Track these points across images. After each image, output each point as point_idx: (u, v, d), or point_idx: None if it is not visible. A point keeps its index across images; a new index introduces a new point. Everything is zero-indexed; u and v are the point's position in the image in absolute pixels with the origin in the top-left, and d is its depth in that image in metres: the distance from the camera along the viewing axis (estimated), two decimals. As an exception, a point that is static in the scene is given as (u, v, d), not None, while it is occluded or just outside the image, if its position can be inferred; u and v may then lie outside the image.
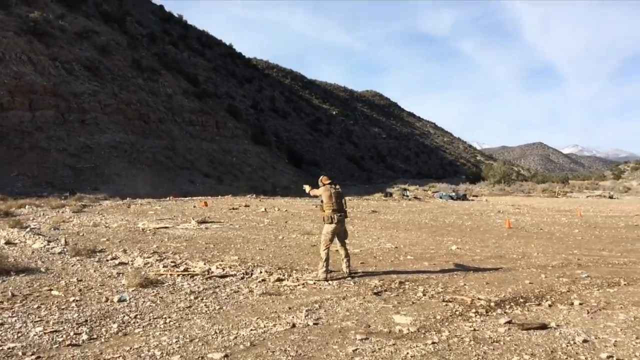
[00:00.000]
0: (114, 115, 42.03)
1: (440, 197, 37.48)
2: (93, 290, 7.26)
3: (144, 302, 6.71)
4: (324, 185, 8.70)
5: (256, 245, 11.66)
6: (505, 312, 6.49)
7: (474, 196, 41.82)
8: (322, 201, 8.61)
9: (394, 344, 5.22)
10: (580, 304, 6.92)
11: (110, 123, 41.23)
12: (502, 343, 5.30)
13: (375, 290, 7.52)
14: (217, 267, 8.98)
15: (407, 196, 36.22)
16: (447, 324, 5.96)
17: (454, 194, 38.93)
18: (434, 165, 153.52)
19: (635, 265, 10.04)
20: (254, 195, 28.92)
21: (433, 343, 5.26)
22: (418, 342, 5.28)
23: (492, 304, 6.87)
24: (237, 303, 6.80)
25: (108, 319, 5.93)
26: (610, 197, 48.97)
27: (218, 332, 5.58)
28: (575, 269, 9.59)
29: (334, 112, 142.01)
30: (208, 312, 6.35)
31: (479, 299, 7.14)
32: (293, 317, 6.18)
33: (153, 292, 7.22)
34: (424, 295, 7.34)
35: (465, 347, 5.19)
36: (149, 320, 5.95)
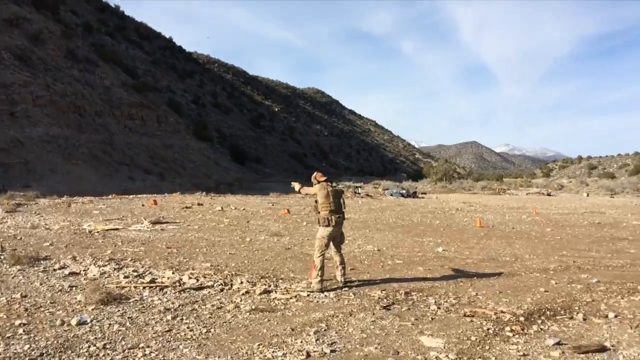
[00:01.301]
0: (47, 108, 39.12)
1: (391, 195, 37.06)
2: (43, 309, 5.90)
3: (110, 325, 5.43)
4: (318, 182, 7.61)
5: (224, 249, 10.43)
6: (542, 329, 5.63)
7: (422, 194, 41.68)
8: (316, 201, 7.49)
9: (442, 379, 4.23)
10: (616, 316, 6.17)
11: (43, 116, 38.34)
12: (567, 373, 4.43)
13: (382, 304, 6.51)
14: (190, 277, 7.73)
15: (359, 193, 35.57)
16: (487, 347, 5.03)
17: (404, 191, 38.62)
18: (375, 162, 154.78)
19: (635, 269, 9.50)
20: (204, 192, 27.35)
21: (488, 376, 4.32)
22: (468, 375, 4.32)
23: (522, 318, 6.01)
24: (226, 324, 5.62)
25: (70, 352, 4.66)
26: (549, 195, 50.24)
27: (216, 366, 4.42)
28: (578, 272, 8.94)
29: (277, 109, 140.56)
30: (194, 337, 5.15)
31: (502, 312, 6.27)
32: (301, 342, 5.08)
33: (119, 310, 5.94)
34: (439, 308, 6.40)
35: (528, 379, 4.27)
36: (123, 351, 4.71)
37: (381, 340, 5.19)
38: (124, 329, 5.33)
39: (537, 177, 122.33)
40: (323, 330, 5.46)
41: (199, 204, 20.24)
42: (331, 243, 7.54)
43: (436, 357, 4.72)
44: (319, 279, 7.21)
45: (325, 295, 6.93)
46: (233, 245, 11.07)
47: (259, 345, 4.96)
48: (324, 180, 7.63)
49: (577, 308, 6.51)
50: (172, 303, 6.35)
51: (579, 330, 5.62)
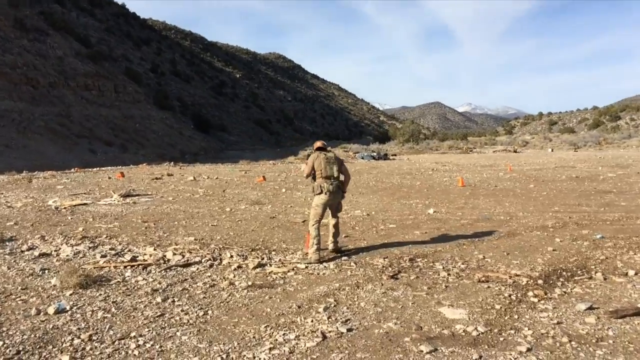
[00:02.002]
0: (-3, 80, 37.18)
1: (362, 158, 36.68)
2: (14, 297, 5.24)
3: (93, 311, 4.81)
4: (314, 151, 7.21)
5: (205, 221, 9.79)
6: (565, 293, 5.23)
7: (393, 155, 41.45)
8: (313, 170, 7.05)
9: (479, 357, 3.77)
10: (636, 273, 5.84)
11: (-7, 89, 36.45)
12: (611, 342, 4.01)
13: (388, 273, 6.03)
14: (174, 253, 7.10)
15: (330, 158, 35.06)
16: (515, 316, 4.59)
17: (374, 154, 38.29)
18: (340, 126, 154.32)
19: (634, 222, 9.28)
20: (171, 163, 26.39)
21: (528, 350, 3.87)
22: (508, 350, 3.87)
23: (540, 281, 5.61)
24: (223, 304, 5.05)
25: (51, 346, 4.03)
26: (515, 152, 50.71)
27: (224, 355, 3.86)
28: (578, 229, 8.64)
29: (238, 76, 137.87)
30: (191, 321, 4.57)
31: (517, 275, 5.86)
32: (312, 321, 4.56)
33: (100, 294, 5.31)
34: (449, 274, 5.96)
35: (572, 352, 3.84)
36: (113, 343, 4.10)
37: (398, 314, 4.71)
38: (109, 315, 4.72)
39: (500, 135, 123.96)
40: (333, 306, 4.95)
41: (168, 175, 19.40)
42: (328, 211, 7.19)
43: (464, 331, 4.27)
44: (315, 248, 6.79)
45: (325, 267, 6.42)
46: (213, 216, 10.43)
47: (266, 327, 4.42)
48: (318, 149, 7.23)
49: (593, 267, 6.15)
50: (159, 283, 5.74)
51: (604, 292, 5.25)
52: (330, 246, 7.27)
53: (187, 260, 6.79)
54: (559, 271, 6.01)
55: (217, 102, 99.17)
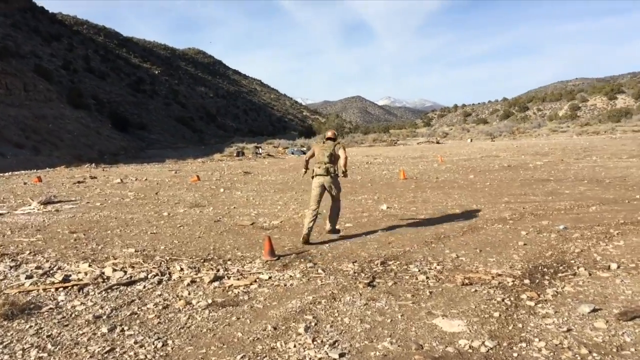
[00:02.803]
0: None
1: (292, 153, 36.14)
2: None
3: (24, 350, 3.95)
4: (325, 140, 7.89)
5: (143, 228, 8.84)
6: (558, 293, 4.88)
7: (322, 150, 41.13)
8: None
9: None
10: (618, 266, 5.60)
11: None
12: (633, 350, 3.64)
13: (363, 280, 5.48)
14: (114, 269, 6.21)
15: (260, 154, 34.25)
16: (519, 324, 4.16)
17: (304, 148, 37.85)
18: (263, 122, 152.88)
19: (586, 210, 9.24)
20: (92, 164, 24.65)
21: (550, 366, 3.43)
22: (529, 367, 3.41)
23: (526, 281, 5.25)
24: (184, 330, 4.32)
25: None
26: (438, 143, 51.91)
27: (200, 401, 3.16)
28: (536, 220, 8.45)
29: (157, 72, 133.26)
30: (150, 356, 3.82)
31: (499, 275, 5.49)
32: (295, 345, 3.93)
33: (31, 326, 4.44)
34: (427, 278, 5.49)
35: (598, 363, 3.44)
36: (56, 394, 3.30)
37: (390, 330, 4.16)
38: (46, 355, 3.87)
39: (419, 127, 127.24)
40: (314, 325, 4.33)
41: (92, 177, 17.96)
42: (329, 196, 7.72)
43: (470, 347, 3.78)
44: (307, 229, 7.32)
45: (291, 276, 5.77)
46: (150, 222, 9.48)
47: (242, 358, 3.74)
48: (328, 138, 7.82)
49: (572, 262, 5.88)
50: (102, 308, 4.90)
51: (596, 289, 4.94)
52: (327, 227, 7.91)
53: (131, 277, 5.93)
54: (540, 268, 5.68)
55: (136, 100, 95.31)
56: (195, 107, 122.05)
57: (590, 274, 5.39)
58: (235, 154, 33.30)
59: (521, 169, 17.18)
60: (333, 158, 7.50)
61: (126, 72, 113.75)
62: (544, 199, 10.60)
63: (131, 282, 5.73)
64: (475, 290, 5.02)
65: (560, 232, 7.40)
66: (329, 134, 7.93)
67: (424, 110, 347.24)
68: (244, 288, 5.41)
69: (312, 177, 7.65)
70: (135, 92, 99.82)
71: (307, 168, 8.25)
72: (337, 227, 8.02)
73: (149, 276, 5.92)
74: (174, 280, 5.77)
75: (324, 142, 7.72)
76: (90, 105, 72.81)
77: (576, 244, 6.63)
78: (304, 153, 35.59)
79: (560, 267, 5.67)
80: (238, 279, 5.74)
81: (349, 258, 6.42)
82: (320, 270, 5.91)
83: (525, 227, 7.88)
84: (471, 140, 53.13)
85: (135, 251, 7.10)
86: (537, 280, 5.26)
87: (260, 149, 36.25)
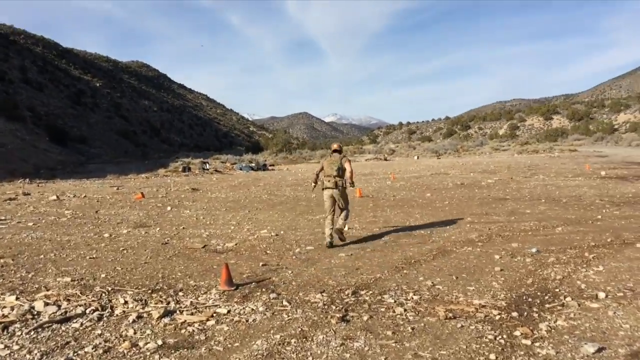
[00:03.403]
0: None
1: (241, 169, 35.24)
2: None
3: None
4: (331, 153, 8.67)
5: (81, 252, 7.94)
6: (552, 328, 4.43)
7: (271, 166, 40.45)
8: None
9: None
10: (606, 295, 5.24)
11: None
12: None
13: (335, 314, 4.89)
14: (46, 303, 5.37)
15: (207, 169, 33.21)
16: (521, 369, 3.68)
17: (253, 164, 37.05)
18: (209, 137, 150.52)
19: (553, 231, 9.00)
20: (26, 180, 23.05)
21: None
22: None
23: (515, 313, 4.80)
24: (133, 382, 3.60)
25: None
26: (386, 159, 52.13)
27: None
28: (506, 242, 8.09)
29: (98, 84, 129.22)
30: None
31: (482, 306, 5.02)
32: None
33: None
34: (405, 310, 4.96)
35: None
36: None
37: (378, 379, 3.59)
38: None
39: (366, 144, 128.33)
40: (286, 373, 3.71)
41: (25, 194, 16.62)
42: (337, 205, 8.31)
43: (472, 397, 3.25)
44: (327, 231, 8.10)
45: (253, 309, 5.11)
46: (90, 245, 8.58)
47: (205, 419, 3.08)
48: (334, 150, 8.59)
49: (557, 290, 5.48)
50: (30, 352, 4.13)
51: (590, 323, 4.53)
52: (338, 223, 8.25)
53: (66, 312, 5.13)
54: (524, 298, 5.26)
55: (76, 112, 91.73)
56: (138, 120, 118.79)
57: (579, 305, 4.99)
58: (181, 170, 32.13)
59: (476, 188, 17.08)
60: (340, 171, 8.19)
61: (66, 83, 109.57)
62: (507, 219, 10.33)
63: (66, 319, 4.94)
64: (462, 326, 4.51)
65: (534, 256, 7.04)
66: (335, 146, 8.74)
67: (370, 127, 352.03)
68: (199, 325, 4.72)
69: (323, 189, 8.32)
70: (75, 105, 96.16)
71: (316, 182, 8.87)
72: (345, 228, 8.61)
73: (88, 311, 5.13)
74: (117, 315, 5.01)
75: (330, 156, 8.49)
76: (26, 118, 69.49)
77: (555, 270, 6.27)
78: (253, 169, 34.83)
79: (546, 297, 5.26)
80: (192, 314, 5.04)
81: (315, 287, 5.81)
82: (285, 302, 5.28)
83: (496, 250, 7.51)
84: (418, 158, 53.62)
85: (72, 280, 6.25)
86: (525, 313, 4.81)
87: (207, 165, 35.17)
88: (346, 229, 8.85)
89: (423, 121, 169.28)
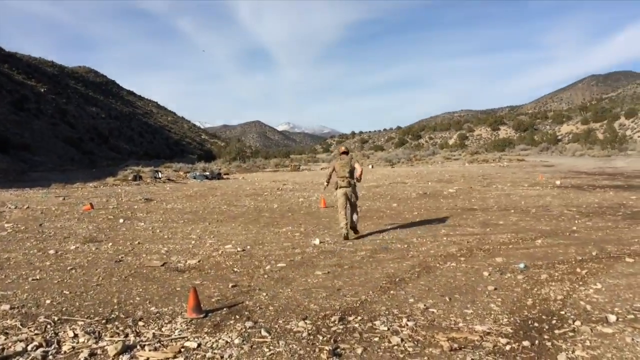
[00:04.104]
0: None
1: (194, 178, 34.12)
2: None
3: None
4: (339, 155, 9.90)
5: (21, 273, 7.03)
6: (571, 359, 3.97)
7: (225, 174, 39.42)
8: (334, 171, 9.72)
9: None
10: (617, 319, 4.82)
11: None
12: None
13: (324, 346, 4.27)
14: (-22, 339, 4.53)
15: (159, 178, 31.96)
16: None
17: (207, 173, 35.99)
18: (159, 145, 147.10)
19: (533, 244, 8.64)
20: (-38, 189, 21.38)
21: None
22: None
23: (526, 342, 4.29)
24: None
25: None
26: (342, 169, 51.78)
27: None
28: (488, 256, 7.64)
29: (43, 90, 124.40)
30: None
31: (487, 333, 4.51)
32: None
33: None
34: (402, 340, 4.39)
35: None
36: None
37: None
38: None
39: (319, 153, 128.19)
40: None
41: (-42, 206, 15.25)
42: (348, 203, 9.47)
43: None
44: (344, 226, 9.21)
45: (228, 342, 4.42)
46: (33, 263, 7.65)
47: None
48: (343, 153, 9.84)
49: (562, 313, 5.02)
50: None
51: (611, 352, 4.06)
52: (353, 218, 9.52)
53: (3, 349, 4.33)
54: (529, 322, 4.77)
55: (18, 119, 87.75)
56: (85, 127, 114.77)
57: (591, 330, 4.55)
58: (131, 178, 30.75)
59: (440, 197, 16.77)
60: (351, 172, 9.48)
61: (8, 89, 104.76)
62: (482, 231, 9.94)
63: (4, 359, 4.13)
64: (464, 357, 3.98)
65: (524, 272, 6.61)
66: (342, 149, 10.04)
67: (323, 136, 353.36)
68: (164, 363, 4.01)
69: (336, 189, 9.54)
70: (17, 111, 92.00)
71: (328, 182, 10.01)
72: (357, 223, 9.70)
73: (30, 347, 4.34)
74: (65, 353, 4.25)
75: (340, 158, 9.70)
76: (-36, 123, 66.00)
77: (552, 288, 5.83)
78: (207, 178, 33.80)
79: (553, 321, 4.79)
80: (156, 349, 4.32)
81: (296, 312, 5.16)
82: (264, 332, 4.61)
83: (481, 265, 7.05)
84: (372, 167, 53.54)
85: (11, 308, 5.39)
86: (537, 341, 4.32)
87: (159, 173, 33.83)
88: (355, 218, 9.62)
89: (375, 131, 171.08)
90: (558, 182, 21.73)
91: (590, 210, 12.64)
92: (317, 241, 9.03)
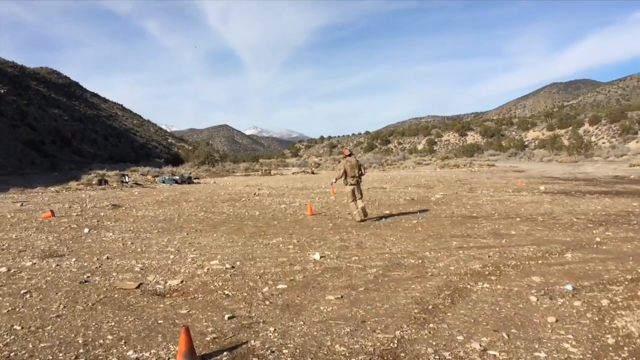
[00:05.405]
0: None
1: (164, 182, 32.52)
2: None
3: None
4: (344, 157, 12.07)
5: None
6: None
7: (196, 179, 37.88)
8: (345, 172, 11.86)
9: None
10: None
11: None
12: None
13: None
14: None
15: (127, 182, 30.30)
16: None
17: (177, 177, 34.44)
18: (125, 148, 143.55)
19: (563, 258, 7.65)
20: None
21: None
22: None
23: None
24: None
25: None
26: (313, 173, 50.83)
27: None
28: (521, 275, 6.58)
29: (3, 91, 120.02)
30: None
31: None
32: None
33: None
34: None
35: None
36: None
37: None
38: None
39: (288, 157, 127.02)
40: None
41: None
42: (357, 195, 11.91)
43: None
44: (356, 212, 11.74)
45: None
46: (-20, 285, 6.29)
47: None
48: (348, 155, 12.08)
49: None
50: None
51: None
52: (362, 208, 11.85)
53: None
54: (621, 367, 3.73)
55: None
56: (47, 130, 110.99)
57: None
58: (96, 182, 29.02)
59: (432, 204, 15.78)
60: (359, 171, 11.98)
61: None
62: (497, 242, 8.92)
63: None
64: None
65: (578, 297, 5.58)
66: (346, 151, 12.29)
67: (291, 140, 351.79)
68: None
69: (346, 185, 11.90)
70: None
71: (337, 180, 12.21)
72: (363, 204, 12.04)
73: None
74: None
75: (348, 161, 11.89)
76: None
77: (625, 319, 4.79)
78: (177, 182, 32.30)
79: None
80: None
81: (317, 357, 4.01)
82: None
83: (520, 287, 5.99)
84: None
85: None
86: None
87: (126, 177, 32.16)
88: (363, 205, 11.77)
89: (343, 135, 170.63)
90: (542, 188, 21.06)
91: (601, 218, 11.77)
92: (317, 256, 7.85)
